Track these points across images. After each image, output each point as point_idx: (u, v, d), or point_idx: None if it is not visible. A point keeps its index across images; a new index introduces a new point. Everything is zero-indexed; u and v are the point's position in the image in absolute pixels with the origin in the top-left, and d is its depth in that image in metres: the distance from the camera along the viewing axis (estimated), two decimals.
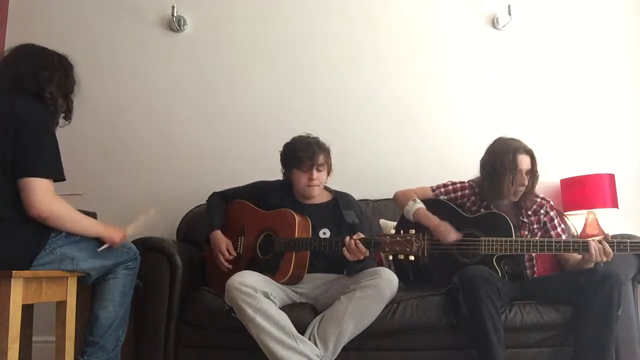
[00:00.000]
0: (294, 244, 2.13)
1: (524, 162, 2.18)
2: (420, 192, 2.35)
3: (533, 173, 2.21)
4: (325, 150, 2.28)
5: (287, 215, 2.19)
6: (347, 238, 2.00)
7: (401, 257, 1.93)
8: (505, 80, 3.03)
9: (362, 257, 2.00)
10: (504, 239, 2.10)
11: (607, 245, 1.97)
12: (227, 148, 2.97)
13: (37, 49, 1.84)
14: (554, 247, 2.08)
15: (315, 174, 2.24)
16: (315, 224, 2.22)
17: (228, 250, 2.23)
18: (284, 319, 1.91)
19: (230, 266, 2.21)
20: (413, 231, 1.93)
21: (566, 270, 2.22)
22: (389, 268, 2.18)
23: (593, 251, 1.97)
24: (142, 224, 2.02)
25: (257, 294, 1.90)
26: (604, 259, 1.97)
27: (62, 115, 1.85)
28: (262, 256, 2.22)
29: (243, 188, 2.44)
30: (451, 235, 2.14)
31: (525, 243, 2.09)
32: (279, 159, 2.34)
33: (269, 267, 2.13)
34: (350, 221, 2.25)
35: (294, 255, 2.12)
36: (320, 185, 2.28)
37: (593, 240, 2.00)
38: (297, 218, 2.17)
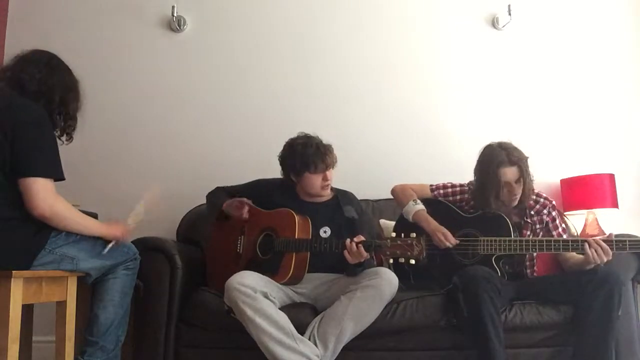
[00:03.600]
0: (294, 244, 2.13)
1: (509, 174, 2.13)
2: (418, 189, 2.34)
3: (524, 180, 2.15)
4: (330, 149, 2.30)
5: (287, 215, 2.19)
6: (348, 241, 2.00)
7: (402, 260, 1.94)
8: (505, 80, 3.03)
9: (362, 260, 2.01)
10: (502, 238, 2.10)
11: (603, 244, 1.96)
12: (227, 148, 2.97)
13: (60, 60, 1.85)
14: (552, 247, 2.08)
15: (329, 174, 2.27)
16: (316, 222, 2.22)
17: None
18: (283, 319, 1.91)
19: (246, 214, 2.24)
20: (414, 235, 1.93)
21: (565, 270, 2.22)
22: (389, 268, 2.18)
23: (589, 252, 1.96)
24: (142, 209, 2.01)
25: (257, 294, 1.90)
26: (604, 259, 1.96)
27: (66, 133, 1.84)
28: (261, 256, 2.22)
29: (244, 186, 2.43)
30: (448, 241, 2.14)
31: (523, 242, 2.10)
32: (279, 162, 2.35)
33: (268, 268, 2.13)
34: (349, 216, 2.25)
35: (294, 255, 2.12)
36: (331, 183, 2.30)
37: (593, 239, 1.99)
38: (296, 218, 2.17)
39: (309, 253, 2.14)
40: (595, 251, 1.96)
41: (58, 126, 1.81)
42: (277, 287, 2.07)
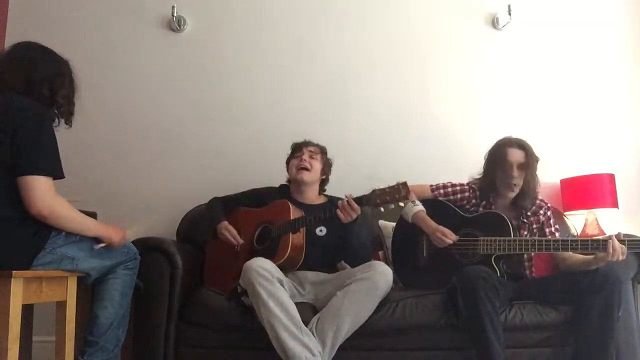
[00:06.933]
0: (289, 225, 2.16)
1: (513, 154, 2.18)
2: (418, 190, 2.34)
3: (528, 168, 2.18)
4: (321, 148, 2.40)
5: (281, 205, 2.24)
6: (340, 202, 2.05)
7: (392, 206, 1.97)
8: (505, 80, 3.03)
9: (355, 217, 2.04)
10: (502, 238, 2.10)
11: (617, 244, 1.93)
12: (226, 148, 2.96)
13: (44, 49, 1.83)
14: (552, 247, 2.08)
15: (305, 155, 2.32)
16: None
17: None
18: (293, 309, 1.94)
19: (241, 242, 2.27)
20: (399, 180, 1.95)
21: (560, 270, 2.21)
22: (388, 265, 2.18)
23: (611, 250, 1.92)
24: (143, 228, 2.03)
25: (274, 280, 1.94)
26: (620, 258, 1.94)
27: (64, 119, 1.84)
28: (260, 246, 2.25)
29: (242, 194, 2.47)
30: (448, 239, 2.14)
31: (523, 242, 2.09)
32: (283, 160, 2.36)
33: (268, 253, 2.15)
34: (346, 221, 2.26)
35: (290, 236, 2.14)
36: (310, 172, 2.32)
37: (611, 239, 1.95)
38: (291, 206, 2.21)
39: (304, 237, 2.17)
40: (617, 250, 1.92)
41: (58, 114, 1.80)
42: (288, 280, 2.10)
